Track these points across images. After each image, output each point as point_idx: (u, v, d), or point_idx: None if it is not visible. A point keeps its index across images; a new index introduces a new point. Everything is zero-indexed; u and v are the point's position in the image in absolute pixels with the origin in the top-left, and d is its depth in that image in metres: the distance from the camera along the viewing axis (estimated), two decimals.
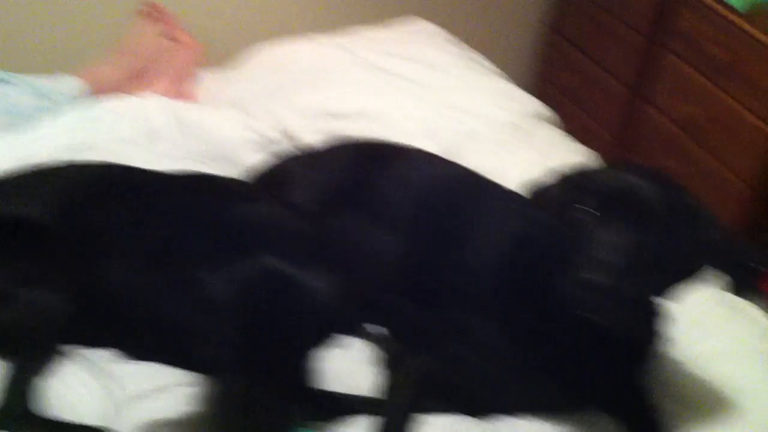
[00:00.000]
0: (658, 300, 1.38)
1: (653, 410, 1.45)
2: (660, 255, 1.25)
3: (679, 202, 1.29)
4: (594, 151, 2.19)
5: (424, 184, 1.60)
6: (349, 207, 1.61)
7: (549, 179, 1.40)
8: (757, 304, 1.74)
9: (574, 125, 2.96)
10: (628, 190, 1.28)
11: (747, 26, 2.28)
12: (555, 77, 3.06)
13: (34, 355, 1.34)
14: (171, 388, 1.36)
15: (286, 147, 1.97)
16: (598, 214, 1.27)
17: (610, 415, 1.45)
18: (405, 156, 1.69)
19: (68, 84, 2.07)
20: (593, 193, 1.28)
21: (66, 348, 1.38)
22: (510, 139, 2.08)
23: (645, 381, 1.47)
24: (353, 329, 1.52)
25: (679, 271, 1.31)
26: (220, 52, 2.41)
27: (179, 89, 2.20)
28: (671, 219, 1.26)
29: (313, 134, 1.99)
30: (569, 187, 1.35)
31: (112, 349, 1.42)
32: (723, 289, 1.75)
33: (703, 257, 1.30)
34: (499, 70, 2.41)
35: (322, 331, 1.33)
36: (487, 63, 2.43)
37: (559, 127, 2.31)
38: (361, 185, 1.64)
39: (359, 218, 1.59)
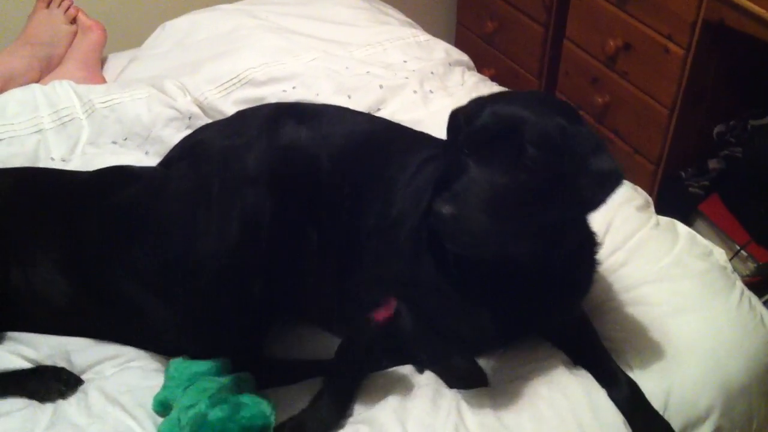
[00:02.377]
0: (574, 229, 1.37)
1: (591, 336, 1.48)
2: (540, 185, 1.23)
3: (568, 132, 1.25)
4: None
5: (341, 140, 1.59)
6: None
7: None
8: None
9: (498, 70, 2.99)
10: (501, 121, 1.25)
11: None
12: (473, 25, 3.06)
13: None
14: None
15: (206, 120, 1.95)
16: (467, 147, 1.25)
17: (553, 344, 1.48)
18: (319, 114, 1.68)
19: None
20: (468, 126, 1.27)
21: None
22: (426, 88, 2.07)
23: (579, 307, 1.50)
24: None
25: (574, 201, 1.27)
26: (126, 33, 2.36)
27: (87, 73, 2.14)
28: (555, 148, 1.23)
29: (232, 105, 1.97)
30: (455, 123, 1.34)
31: None
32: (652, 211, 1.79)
33: (599, 187, 1.28)
34: (411, 21, 2.39)
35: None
36: (398, 14, 2.41)
37: (480, 72, 2.32)
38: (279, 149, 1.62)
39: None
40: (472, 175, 1.22)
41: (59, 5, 2.19)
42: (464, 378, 1.43)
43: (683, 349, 1.48)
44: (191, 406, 1.27)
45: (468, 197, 1.20)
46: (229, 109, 1.94)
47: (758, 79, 2.31)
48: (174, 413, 1.29)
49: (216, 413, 1.26)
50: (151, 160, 1.81)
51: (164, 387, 1.36)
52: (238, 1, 2.38)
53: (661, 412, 1.41)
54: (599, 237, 1.48)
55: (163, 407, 1.34)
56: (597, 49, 2.50)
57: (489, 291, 1.36)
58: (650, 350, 1.47)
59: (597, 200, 1.29)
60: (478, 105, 1.31)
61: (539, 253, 1.31)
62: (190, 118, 1.96)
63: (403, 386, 1.40)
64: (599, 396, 1.40)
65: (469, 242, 1.22)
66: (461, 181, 1.22)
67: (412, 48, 2.22)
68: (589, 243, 1.44)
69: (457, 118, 1.34)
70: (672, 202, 2.29)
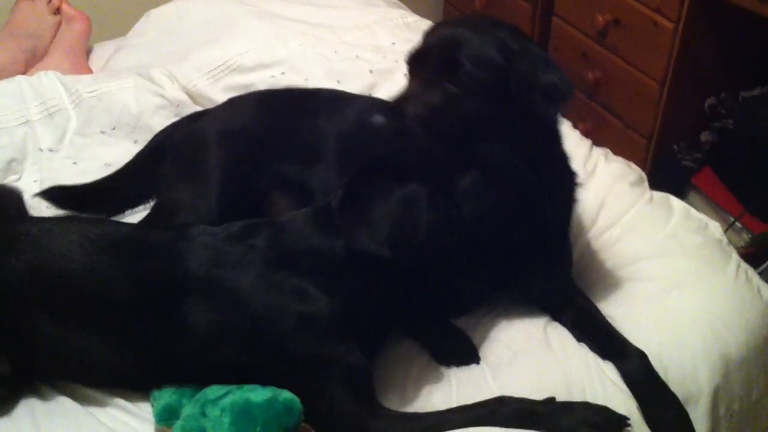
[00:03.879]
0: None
1: (592, 311, 1.48)
2: (481, 102, 1.25)
3: (511, 49, 1.27)
4: None
5: (339, 120, 1.60)
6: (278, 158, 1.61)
7: None
8: None
9: None
10: (440, 41, 1.29)
11: None
12: (461, 3, 3.05)
13: None
14: None
15: (194, 108, 1.94)
16: (408, 68, 1.30)
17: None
18: (312, 98, 1.67)
19: None
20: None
21: None
22: None
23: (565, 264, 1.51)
24: None
25: (526, 119, 1.28)
26: (111, 23, 2.33)
27: (74, 64, 2.12)
28: (494, 64, 1.25)
29: (222, 92, 1.95)
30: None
31: None
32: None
33: (549, 102, 1.28)
34: (398, 2, 2.37)
35: None
36: None
37: None
38: (278, 134, 1.63)
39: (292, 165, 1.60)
40: (407, 93, 1.25)
41: None
42: (457, 354, 1.44)
43: (682, 323, 1.48)
44: (221, 397, 1.24)
45: (403, 111, 1.23)
46: (218, 96, 1.93)
47: (748, 50, 2.30)
48: (190, 409, 1.25)
49: (260, 394, 1.23)
50: (140, 149, 1.79)
51: (159, 397, 1.31)
52: None
53: None
54: (581, 179, 1.49)
55: (169, 413, 1.29)
56: (586, 25, 2.49)
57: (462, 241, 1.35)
58: (648, 325, 1.47)
59: (549, 115, 1.30)
60: (427, 30, 1.35)
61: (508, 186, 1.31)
62: (178, 106, 1.95)
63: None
64: (605, 368, 1.40)
65: (398, 151, 1.25)
66: (397, 98, 1.25)
67: (401, 29, 2.20)
68: (566, 180, 1.44)
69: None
70: (665, 176, 2.29)
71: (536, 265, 1.45)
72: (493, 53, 1.25)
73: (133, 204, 1.72)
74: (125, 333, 1.31)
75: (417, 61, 1.30)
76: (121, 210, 1.71)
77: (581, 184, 1.48)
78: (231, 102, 1.79)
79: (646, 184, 1.80)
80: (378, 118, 1.24)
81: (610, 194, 1.70)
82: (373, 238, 1.23)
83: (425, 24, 2.26)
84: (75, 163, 1.81)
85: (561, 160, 1.43)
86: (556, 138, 1.41)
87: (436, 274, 1.39)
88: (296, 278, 1.28)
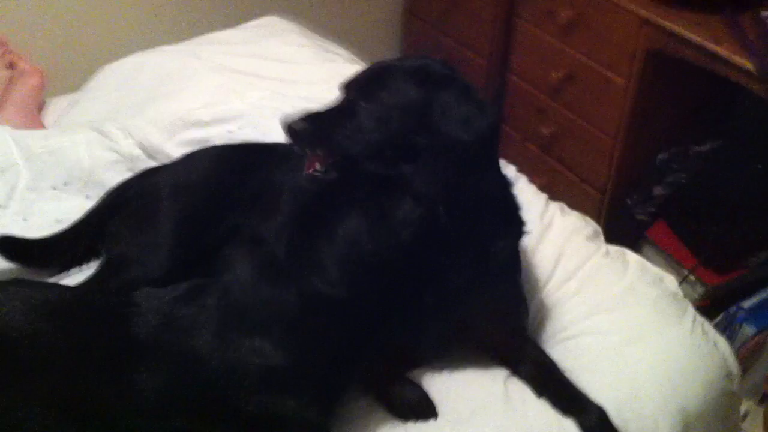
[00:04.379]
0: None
1: (549, 365, 1.48)
2: (397, 123, 1.32)
3: (433, 77, 1.34)
4: None
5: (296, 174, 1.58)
6: (233, 211, 1.60)
7: None
8: None
9: None
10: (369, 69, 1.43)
11: None
12: None
13: None
14: None
15: (149, 163, 1.91)
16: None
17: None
18: (269, 152, 1.66)
19: None
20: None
21: None
22: None
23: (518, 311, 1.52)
24: None
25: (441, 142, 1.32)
26: (66, 77, 2.31)
27: (26, 119, 2.08)
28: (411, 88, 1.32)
29: (177, 146, 1.93)
30: None
31: None
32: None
33: (464, 130, 1.31)
34: (354, 57, 2.39)
35: None
36: (342, 51, 2.41)
37: None
38: (234, 187, 1.62)
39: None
40: (332, 105, 1.38)
41: None
42: (414, 409, 1.42)
43: (640, 376, 1.48)
44: None
45: (323, 118, 1.36)
46: (174, 150, 1.90)
47: (700, 105, 2.36)
48: None
49: None
50: (92, 205, 1.76)
51: None
52: (181, 43, 2.35)
53: None
54: (534, 230, 1.57)
55: None
56: (540, 81, 2.53)
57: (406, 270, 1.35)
58: (607, 379, 1.47)
59: (466, 144, 1.32)
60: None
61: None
62: (132, 160, 1.92)
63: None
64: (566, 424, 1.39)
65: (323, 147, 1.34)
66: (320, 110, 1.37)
67: None
68: (509, 221, 1.45)
69: None
70: (619, 229, 2.31)
71: (488, 312, 1.45)
72: (411, 83, 1.33)
73: (83, 260, 1.68)
74: (68, 404, 1.26)
75: (346, 88, 1.42)
76: (72, 266, 1.67)
77: (527, 232, 1.49)
78: (187, 156, 1.78)
79: (602, 237, 1.81)
80: (298, 124, 1.35)
81: (567, 248, 1.71)
82: (327, 280, 1.23)
83: None
84: (25, 219, 1.76)
85: (500, 200, 1.45)
86: (490, 175, 1.43)
87: (389, 312, 1.37)
88: (251, 335, 1.25)
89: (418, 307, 1.40)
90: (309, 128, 1.35)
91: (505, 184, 1.46)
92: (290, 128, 1.35)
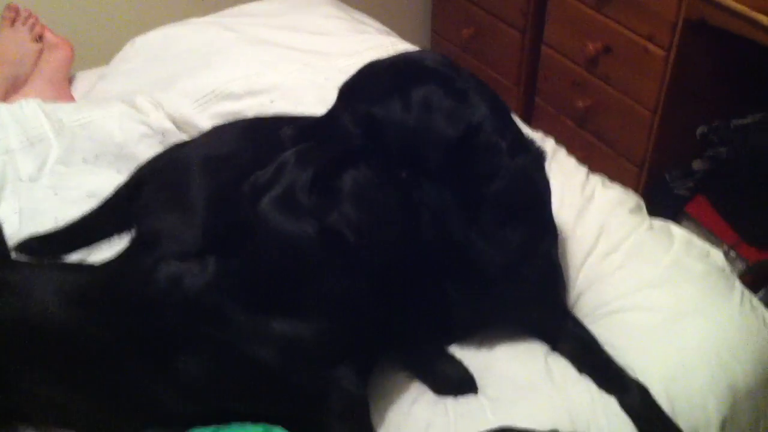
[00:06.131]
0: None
1: (591, 342, 1.44)
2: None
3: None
4: None
5: None
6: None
7: None
8: None
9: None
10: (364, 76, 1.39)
11: None
12: (450, 32, 3.02)
13: None
14: None
15: (180, 136, 1.89)
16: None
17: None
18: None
19: None
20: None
21: None
22: None
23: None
24: None
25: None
26: (95, 50, 2.29)
27: (56, 92, 2.07)
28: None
29: (209, 119, 1.90)
30: None
31: None
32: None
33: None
34: (386, 29, 2.35)
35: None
36: (374, 23, 2.37)
37: None
38: (265, 160, 1.58)
39: None
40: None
41: (24, 23, 2.12)
42: (454, 384, 1.40)
43: (688, 353, 1.44)
44: None
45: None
46: (206, 123, 1.88)
47: (741, 77, 2.29)
48: None
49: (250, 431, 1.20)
50: (123, 178, 1.74)
51: None
52: (211, 15, 2.32)
53: None
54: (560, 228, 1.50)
55: None
56: (576, 53, 2.47)
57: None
58: (654, 356, 1.43)
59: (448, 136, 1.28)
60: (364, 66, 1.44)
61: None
62: (163, 134, 1.90)
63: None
64: (609, 401, 1.36)
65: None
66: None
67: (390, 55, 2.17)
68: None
69: None
70: (658, 205, 2.26)
71: (523, 286, 1.41)
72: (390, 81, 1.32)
73: (111, 235, 1.66)
74: (107, 391, 1.26)
75: (344, 95, 1.38)
76: (99, 241, 1.65)
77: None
78: (215, 129, 1.75)
79: (645, 210, 1.76)
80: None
81: (609, 221, 1.66)
82: (344, 217, 1.20)
83: (409, 49, 2.25)
84: (56, 193, 1.75)
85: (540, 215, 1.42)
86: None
87: (417, 284, 1.37)
88: (281, 308, 1.23)
89: (448, 279, 1.38)
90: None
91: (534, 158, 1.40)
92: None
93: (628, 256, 1.60)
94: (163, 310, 1.24)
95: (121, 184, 1.69)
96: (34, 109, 1.87)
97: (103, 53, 2.27)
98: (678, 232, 1.69)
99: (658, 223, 1.72)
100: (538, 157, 1.39)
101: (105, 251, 1.61)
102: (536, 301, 1.46)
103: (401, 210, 1.26)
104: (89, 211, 1.66)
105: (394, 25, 2.42)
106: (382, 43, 2.21)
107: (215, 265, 1.24)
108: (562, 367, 1.43)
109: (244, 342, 1.22)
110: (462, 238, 1.33)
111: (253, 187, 1.26)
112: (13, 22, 2.12)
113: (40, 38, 2.13)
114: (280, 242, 1.21)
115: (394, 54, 1.46)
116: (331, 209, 1.20)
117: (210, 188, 1.57)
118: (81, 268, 1.52)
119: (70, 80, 2.20)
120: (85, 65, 2.28)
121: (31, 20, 2.13)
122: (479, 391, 1.40)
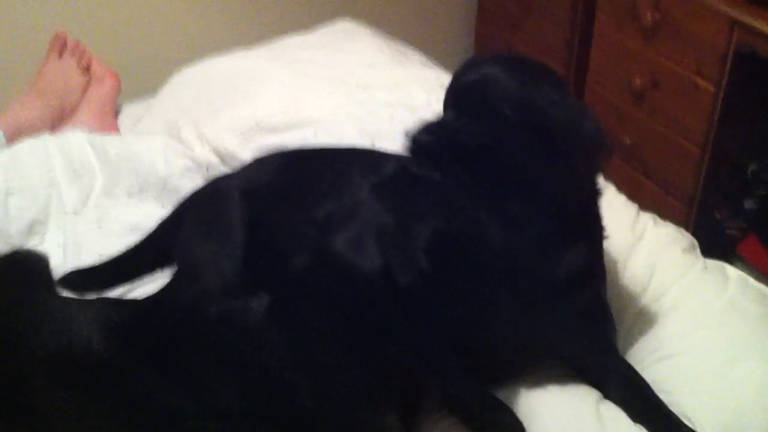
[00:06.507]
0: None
1: (643, 387, 1.39)
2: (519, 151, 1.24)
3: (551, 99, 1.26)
4: None
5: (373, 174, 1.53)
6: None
7: None
8: None
9: None
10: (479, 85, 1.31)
11: None
12: None
13: None
14: None
15: (223, 169, 1.88)
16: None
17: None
18: (341, 154, 1.63)
19: None
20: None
21: None
22: None
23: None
24: None
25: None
26: (141, 81, 2.31)
27: (102, 123, 2.08)
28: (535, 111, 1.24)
29: (252, 153, 1.89)
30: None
31: None
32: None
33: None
34: (427, 61, 2.35)
35: None
36: (417, 56, 2.37)
37: None
38: (306, 189, 1.56)
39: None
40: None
41: (72, 55, 2.14)
42: (501, 430, 1.35)
43: (745, 400, 1.37)
44: None
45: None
46: (248, 156, 1.87)
47: None
48: None
49: None
50: (166, 212, 1.73)
51: None
52: (256, 46, 2.33)
53: None
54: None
55: None
56: (623, 87, 2.44)
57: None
58: (709, 402, 1.37)
59: (588, 168, 1.29)
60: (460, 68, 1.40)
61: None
62: (207, 168, 1.90)
63: None
64: None
65: None
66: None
67: (436, 90, 2.14)
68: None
69: None
70: (708, 245, 2.21)
71: (568, 324, 1.38)
72: (534, 98, 1.24)
73: (153, 270, 1.65)
74: (147, 424, 1.24)
75: (452, 99, 1.34)
76: (142, 276, 1.64)
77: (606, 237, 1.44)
78: (255, 160, 1.74)
79: (698, 250, 1.71)
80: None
81: (661, 260, 1.62)
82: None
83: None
84: (100, 227, 1.75)
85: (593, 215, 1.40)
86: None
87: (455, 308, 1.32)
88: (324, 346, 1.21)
89: (485, 308, 1.34)
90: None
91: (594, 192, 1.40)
92: (415, 140, 1.30)
93: (681, 297, 1.55)
94: (212, 346, 1.23)
95: (164, 218, 1.68)
96: (81, 140, 1.88)
97: (150, 82, 2.29)
98: (733, 272, 1.63)
99: (713, 263, 1.66)
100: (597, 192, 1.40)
101: (148, 285, 1.61)
102: (585, 336, 1.42)
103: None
104: (132, 246, 1.65)
105: (437, 57, 2.42)
106: (426, 76, 2.20)
107: (267, 301, 1.23)
108: (614, 412, 1.38)
109: (287, 374, 1.20)
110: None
111: (325, 224, 1.25)
112: (61, 54, 2.14)
113: (87, 69, 2.16)
114: (350, 285, 1.20)
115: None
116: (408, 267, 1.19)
117: (250, 218, 1.55)
118: (124, 302, 1.52)
119: (116, 111, 2.22)
120: (131, 94, 2.29)
121: (78, 51, 2.15)
122: None
